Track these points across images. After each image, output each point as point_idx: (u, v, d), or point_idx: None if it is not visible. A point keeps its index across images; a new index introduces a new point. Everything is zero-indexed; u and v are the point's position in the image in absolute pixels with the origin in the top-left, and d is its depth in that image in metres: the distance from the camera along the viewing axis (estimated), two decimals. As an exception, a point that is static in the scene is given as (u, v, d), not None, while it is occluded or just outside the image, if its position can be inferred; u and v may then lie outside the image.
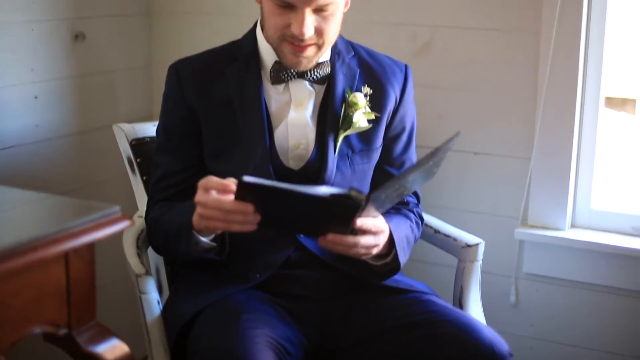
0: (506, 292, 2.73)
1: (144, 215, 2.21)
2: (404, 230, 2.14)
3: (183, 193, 2.09)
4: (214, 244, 1.99)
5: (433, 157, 1.88)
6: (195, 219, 1.90)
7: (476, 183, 2.70)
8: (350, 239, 1.91)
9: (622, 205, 2.67)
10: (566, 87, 2.55)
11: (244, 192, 1.79)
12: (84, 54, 2.78)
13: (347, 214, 1.85)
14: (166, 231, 2.04)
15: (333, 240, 1.89)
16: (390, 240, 2.05)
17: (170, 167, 2.15)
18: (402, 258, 2.08)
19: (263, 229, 1.87)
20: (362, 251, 1.95)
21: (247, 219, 1.81)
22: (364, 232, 1.92)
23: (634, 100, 2.73)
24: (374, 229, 1.94)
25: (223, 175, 1.92)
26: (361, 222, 1.89)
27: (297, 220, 1.90)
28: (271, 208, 1.83)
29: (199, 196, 1.87)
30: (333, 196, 1.83)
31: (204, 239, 1.96)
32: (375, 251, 1.98)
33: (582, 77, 2.57)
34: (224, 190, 1.84)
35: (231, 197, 1.82)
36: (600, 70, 2.57)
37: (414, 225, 2.22)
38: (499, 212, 2.69)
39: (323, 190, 1.85)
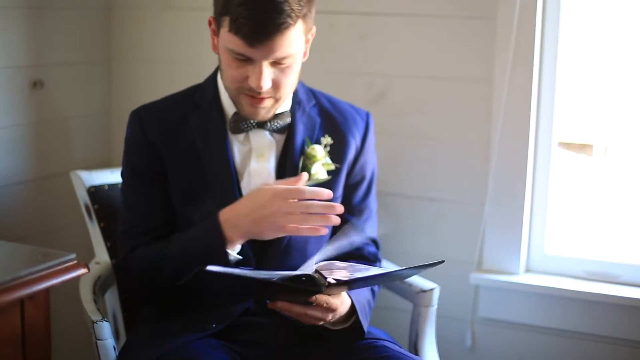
0: (462, 336, 2.74)
1: (102, 262, 2.19)
2: (365, 295, 2.13)
3: (162, 238, 2.08)
4: (240, 257, 2.00)
5: (407, 271, 1.95)
6: (245, 225, 1.95)
7: (431, 229, 2.73)
8: (299, 308, 1.94)
9: (575, 250, 2.70)
10: (519, 134, 2.59)
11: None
12: (42, 101, 2.78)
13: (306, 295, 1.91)
14: (181, 261, 2.00)
15: (282, 307, 1.94)
16: (352, 307, 2.06)
17: (144, 212, 2.12)
18: (365, 324, 2.09)
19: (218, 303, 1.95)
20: (309, 320, 1.98)
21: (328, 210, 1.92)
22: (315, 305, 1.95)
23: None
24: (326, 305, 1.95)
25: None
26: (316, 297, 1.92)
27: (255, 294, 1.99)
28: (231, 288, 1.90)
29: (277, 190, 1.95)
30: (297, 282, 1.87)
31: (232, 253, 1.98)
32: (320, 323, 2.00)
33: (534, 123, 2.61)
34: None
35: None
36: (552, 116, 2.61)
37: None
38: (454, 257, 2.71)
39: (286, 274, 1.88)
